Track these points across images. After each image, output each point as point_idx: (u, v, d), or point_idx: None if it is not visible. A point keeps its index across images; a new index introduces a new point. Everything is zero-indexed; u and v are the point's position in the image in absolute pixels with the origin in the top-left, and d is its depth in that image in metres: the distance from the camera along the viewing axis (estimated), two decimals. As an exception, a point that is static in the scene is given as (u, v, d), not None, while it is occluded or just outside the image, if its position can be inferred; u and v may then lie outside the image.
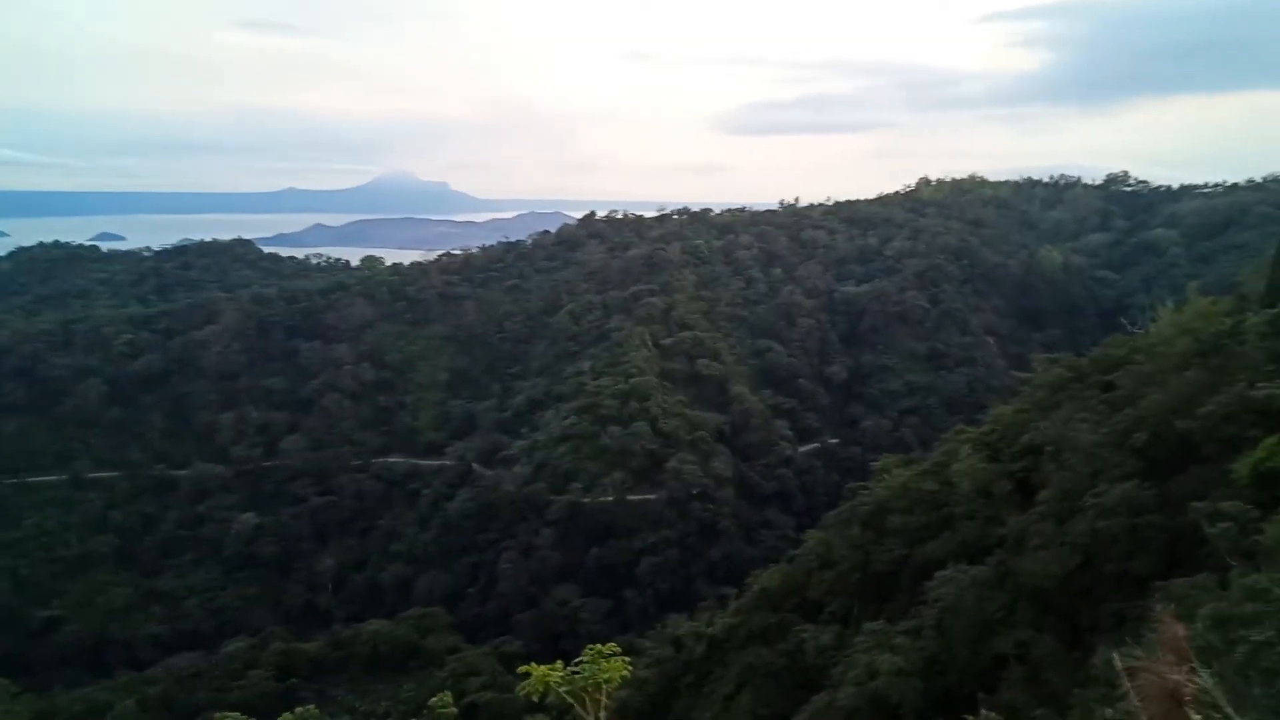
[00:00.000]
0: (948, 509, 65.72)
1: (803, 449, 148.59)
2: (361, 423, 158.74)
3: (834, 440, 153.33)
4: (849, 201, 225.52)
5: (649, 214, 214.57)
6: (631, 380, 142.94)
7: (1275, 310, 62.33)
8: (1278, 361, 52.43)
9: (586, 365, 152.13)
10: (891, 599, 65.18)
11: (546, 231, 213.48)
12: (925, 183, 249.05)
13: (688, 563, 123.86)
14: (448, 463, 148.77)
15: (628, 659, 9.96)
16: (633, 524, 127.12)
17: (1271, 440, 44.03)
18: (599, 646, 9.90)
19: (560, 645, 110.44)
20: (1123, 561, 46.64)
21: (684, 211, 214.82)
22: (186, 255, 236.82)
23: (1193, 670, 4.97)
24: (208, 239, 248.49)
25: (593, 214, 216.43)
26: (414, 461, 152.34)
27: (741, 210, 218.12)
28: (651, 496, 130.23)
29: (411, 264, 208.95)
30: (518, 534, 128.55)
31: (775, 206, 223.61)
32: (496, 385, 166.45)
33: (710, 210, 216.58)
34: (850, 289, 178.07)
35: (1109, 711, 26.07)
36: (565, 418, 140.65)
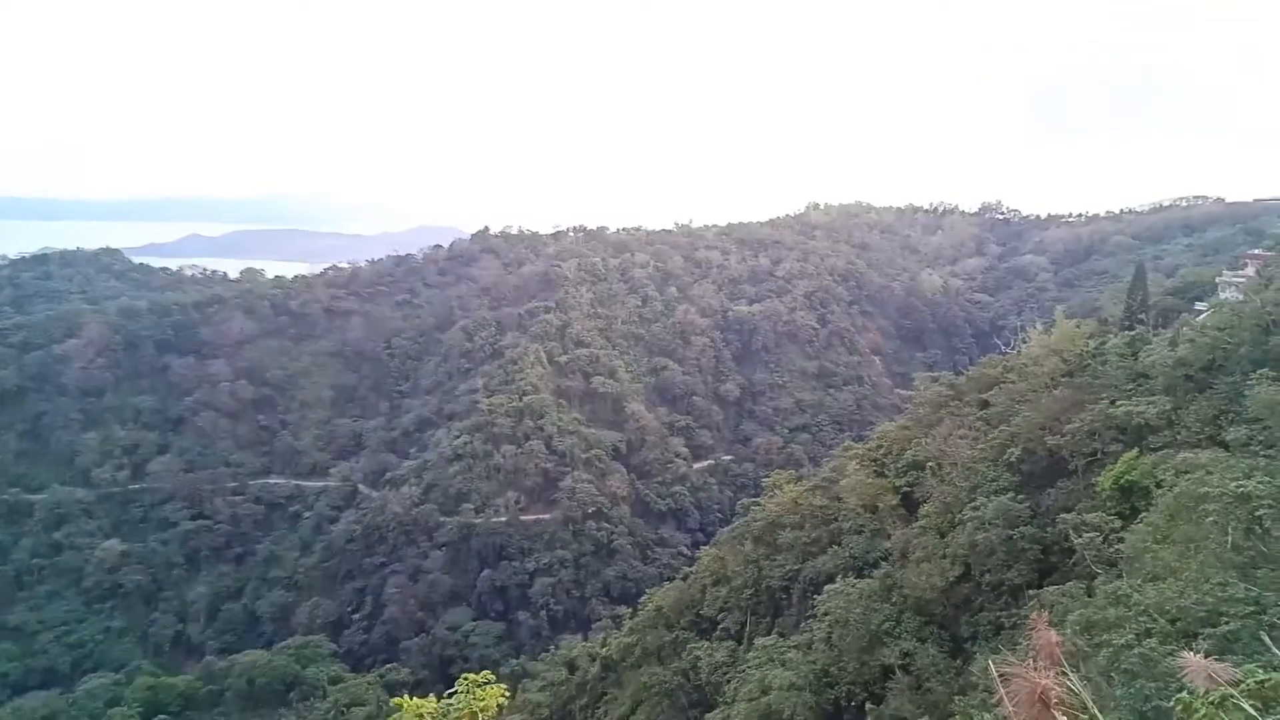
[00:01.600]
0: (837, 524, 67.43)
1: (697, 466, 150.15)
2: (239, 443, 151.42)
3: (728, 457, 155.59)
4: (742, 223, 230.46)
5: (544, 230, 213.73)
6: (526, 398, 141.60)
7: (1133, 333, 67.00)
8: (1136, 380, 56.20)
9: (480, 383, 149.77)
10: (783, 613, 66.25)
11: (439, 246, 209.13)
12: (814, 206, 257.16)
13: (583, 582, 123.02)
14: (332, 484, 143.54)
15: (516, 684, 9.62)
16: (526, 545, 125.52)
17: (1130, 455, 46.92)
18: (473, 676, 9.52)
19: (450, 671, 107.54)
20: (1000, 572, 48.74)
21: (580, 229, 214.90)
22: (47, 264, 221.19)
23: (1062, 674, 5.00)
24: (71, 247, 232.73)
25: (487, 229, 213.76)
26: (296, 483, 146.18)
27: (637, 229, 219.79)
28: (546, 516, 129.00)
29: (295, 277, 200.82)
30: (406, 557, 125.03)
31: (670, 227, 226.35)
32: (385, 403, 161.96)
33: (606, 228, 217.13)
34: (743, 308, 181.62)
35: (986, 717, 26.98)
36: (457, 436, 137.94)
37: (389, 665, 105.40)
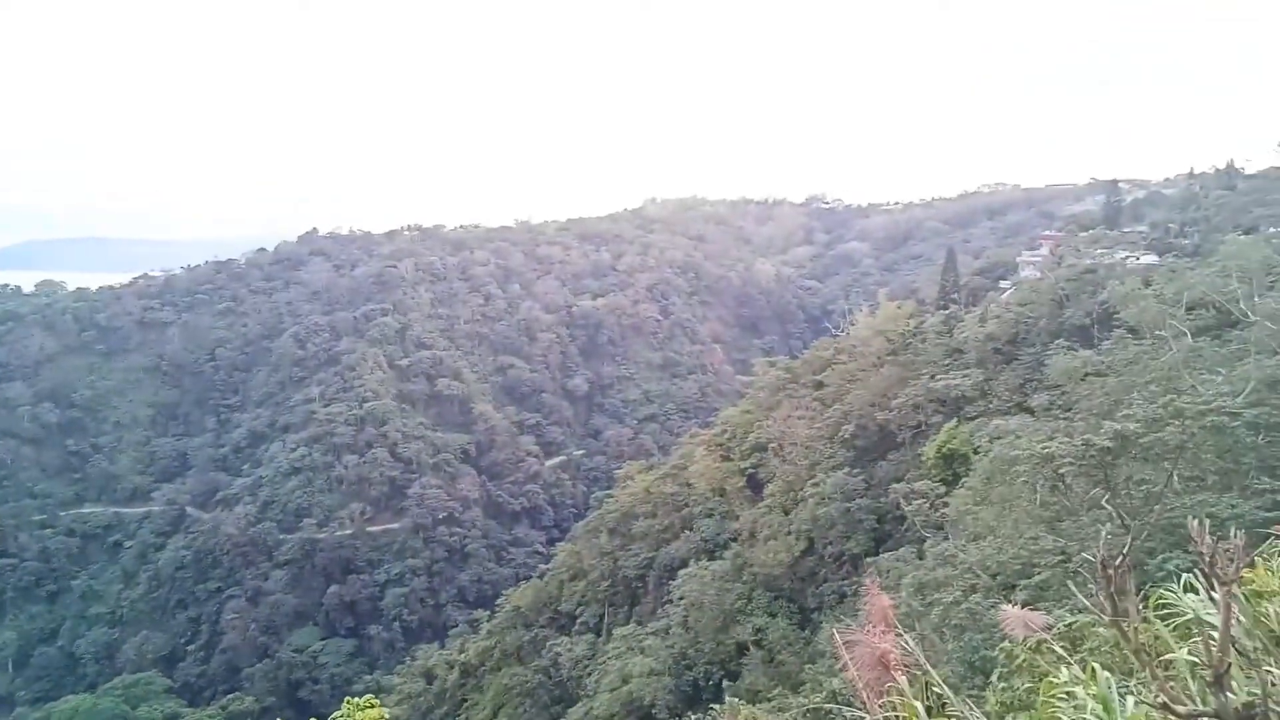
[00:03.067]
0: (688, 509, 68.98)
1: (549, 463, 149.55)
2: (46, 471, 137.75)
3: (579, 452, 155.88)
4: (582, 218, 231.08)
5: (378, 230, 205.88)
6: (367, 405, 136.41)
7: (947, 311, 72.13)
8: (952, 356, 60.56)
9: (315, 391, 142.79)
10: (641, 602, 67.11)
11: (263, 250, 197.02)
12: (652, 201, 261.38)
13: (436, 590, 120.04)
14: (156, 508, 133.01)
15: (378, 703, 9.19)
16: (375, 556, 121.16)
17: (950, 425, 50.52)
18: (356, 700, 9.03)
19: (299, 695, 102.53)
20: (840, 543, 51.37)
21: (416, 228, 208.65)
22: None
23: (899, 635, 5.21)
24: None
25: (314, 230, 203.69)
26: (115, 510, 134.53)
27: (476, 227, 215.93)
28: (395, 525, 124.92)
29: (101, 288, 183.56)
30: (244, 580, 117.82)
31: (510, 223, 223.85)
32: (211, 419, 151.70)
33: (443, 226, 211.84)
34: (587, 303, 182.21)
35: (834, 682, 28.28)
36: (294, 449, 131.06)
37: (231, 695, 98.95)
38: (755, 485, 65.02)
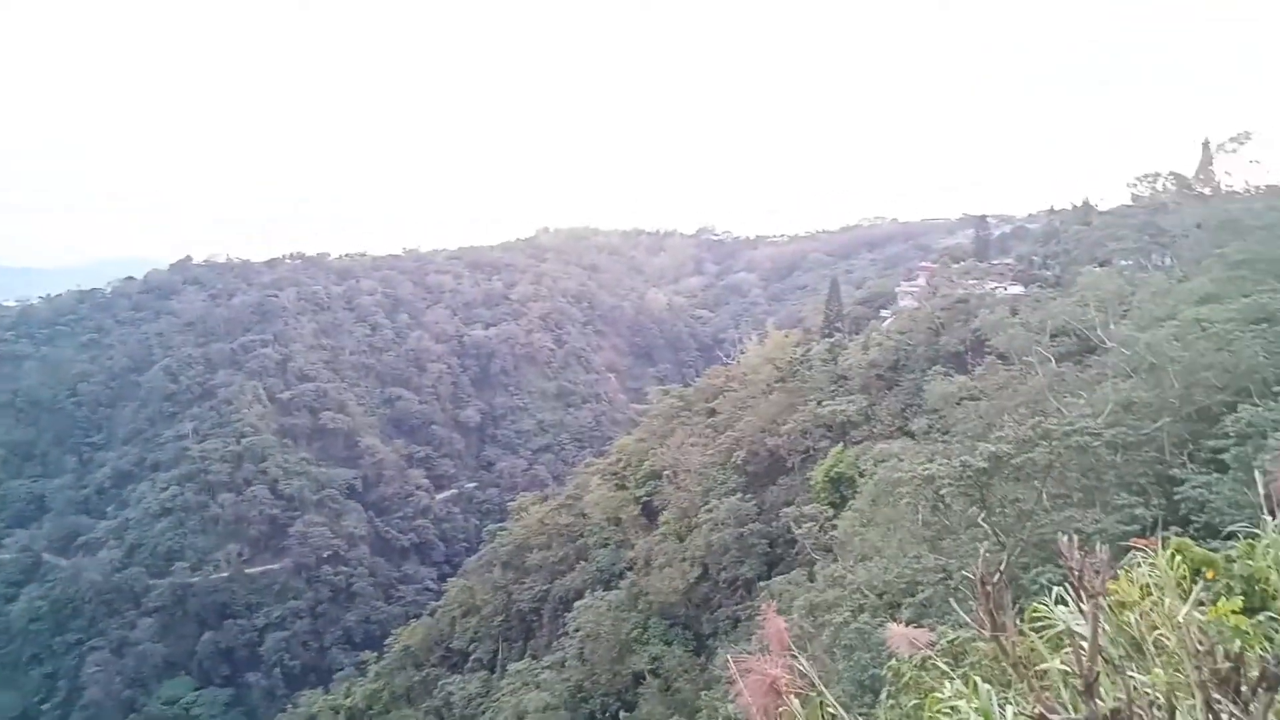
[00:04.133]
0: (583, 539, 68.58)
1: (440, 496, 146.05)
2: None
3: (471, 484, 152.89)
4: (473, 247, 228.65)
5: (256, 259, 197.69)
6: (245, 440, 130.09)
7: (832, 340, 74.63)
8: (837, 382, 62.61)
9: (189, 427, 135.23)
10: (536, 635, 66.04)
11: (131, 278, 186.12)
12: (544, 230, 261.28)
13: (321, 632, 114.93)
14: (6, 556, 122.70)
15: None
16: (254, 599, 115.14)
17: (837, 449, 52.12)
18: None
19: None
20: (734, 568, 52.00)
21: (298, 256, 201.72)
22: None
23: (792, 658, 5.25)
24: None
25: (188, 258, 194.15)
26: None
27: (362, 255, 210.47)
28: (275, 566, 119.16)
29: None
30: (108, 630, 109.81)
31: (398, 251, 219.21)
32: (72, 458, 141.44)
33: (327, 254, 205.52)
34: (479, 333, 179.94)
35: (729, 708, 28.41)
36: (164, 489, 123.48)
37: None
38: (650, 513, 65.20)
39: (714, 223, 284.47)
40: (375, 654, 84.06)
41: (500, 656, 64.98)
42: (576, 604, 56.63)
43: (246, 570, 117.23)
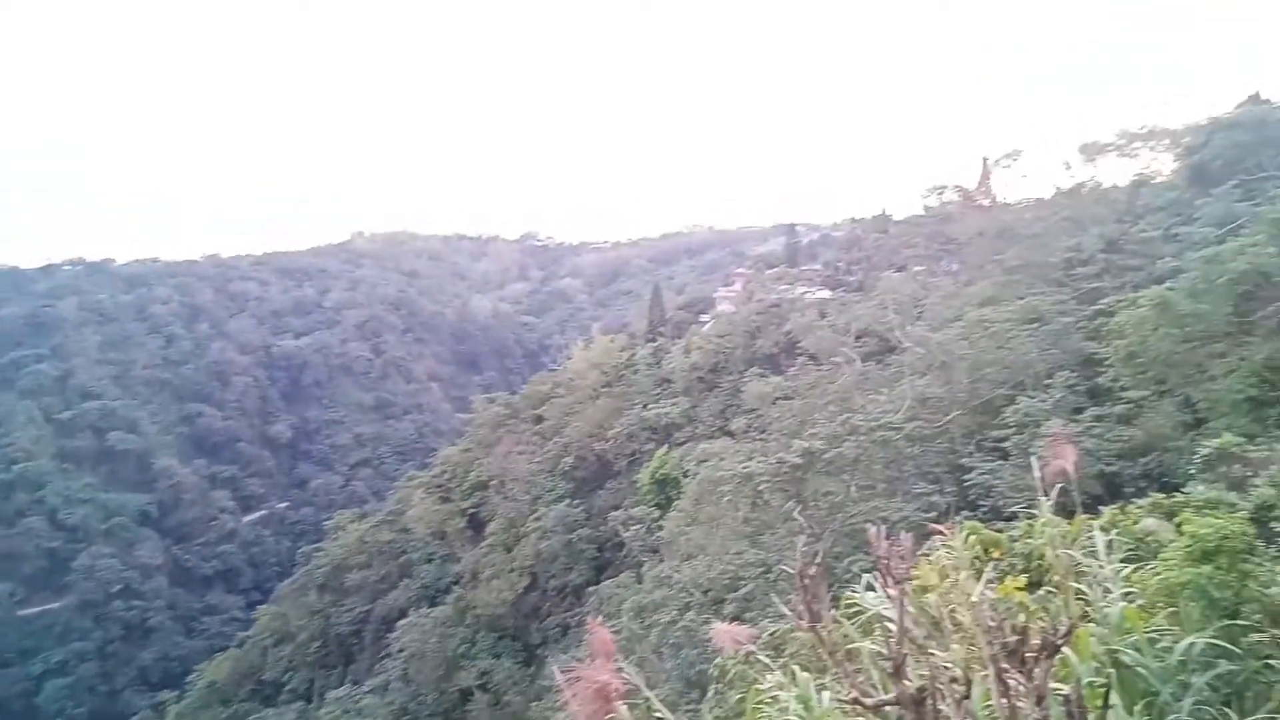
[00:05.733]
0: (407, 556, 66.39)
1: (248, 519, 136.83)
2: None
3: (283, 504, 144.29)
4: (281, 252, 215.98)
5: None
6: (17, 467, 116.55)
7: (656, 344, 76.30)
8: (661, 385, 64.07)
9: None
10: (357, 660, 63.18)
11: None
12: (359, 234, 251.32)
13: (111, 674, 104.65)
14: None
15: None
16: (30, 643, 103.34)
17: (662, 451, 53.29)
18: None
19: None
20: (563, 575, 51.98)
21: (79, 261, 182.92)
22: None
23: (618, 665, 5.21)
24: None
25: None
26: None
27: (154, 261, 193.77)
28: (55, 605, 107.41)
29: None
30: None
31: (196, 257, 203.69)
32: None
33: (113, 260, 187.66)
34: (289, 343, 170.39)
35: (560, 718, 28.29)
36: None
37: None
38: (477, 525, 64.05)
39: (538, 228, 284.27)
40: (176, 693, 77.66)
41: (318, 685, 61.68)
42: (400, 623, 54.70)
43: (20, 612, 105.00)
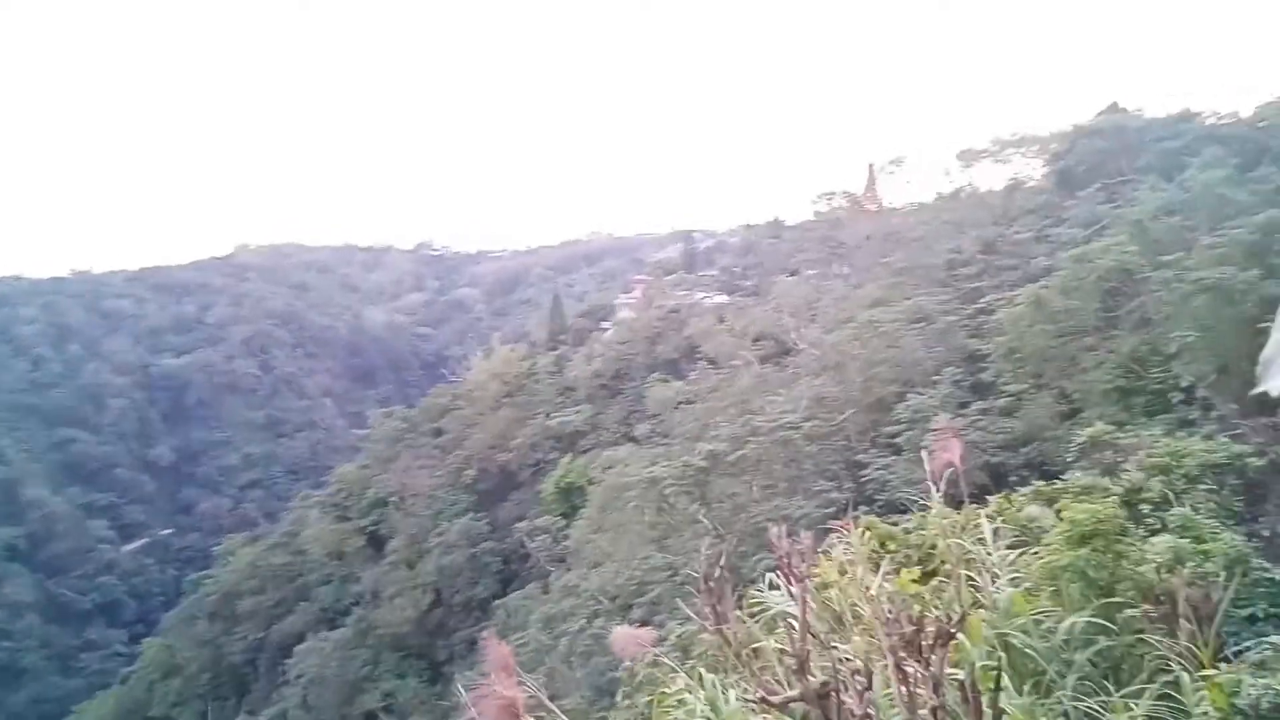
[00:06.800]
0: (303, 578, 64.01)
1: (128, 548, 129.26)
2: None
3: (167, 531, 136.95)
4: (158, 267, 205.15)
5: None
6: None
7: (557, 352, 75.94)
8: (564, 394, 63.84)
9: None
10: (252, 689, 60.53)
11: None
12: (244, 247, 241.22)
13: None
14: None
15: None
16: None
17: (566, 460, 53.05)
18: None
19: None
20: (468, 590, 51.09)
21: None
22: None
23: (522, 679, 5.14)
24: None
25: None
26: None
27: (18, 279, 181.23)
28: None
29: None
30: None
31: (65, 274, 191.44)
32: None
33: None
34: (170, 362, 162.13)
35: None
36: None
37: None
38: (377, 543, 62.35)
39: (433, 238, 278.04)
40: (53, 738, 72.87)
41: (210, 718, 58.83)
42: (298, 648, 52.69)
43: None
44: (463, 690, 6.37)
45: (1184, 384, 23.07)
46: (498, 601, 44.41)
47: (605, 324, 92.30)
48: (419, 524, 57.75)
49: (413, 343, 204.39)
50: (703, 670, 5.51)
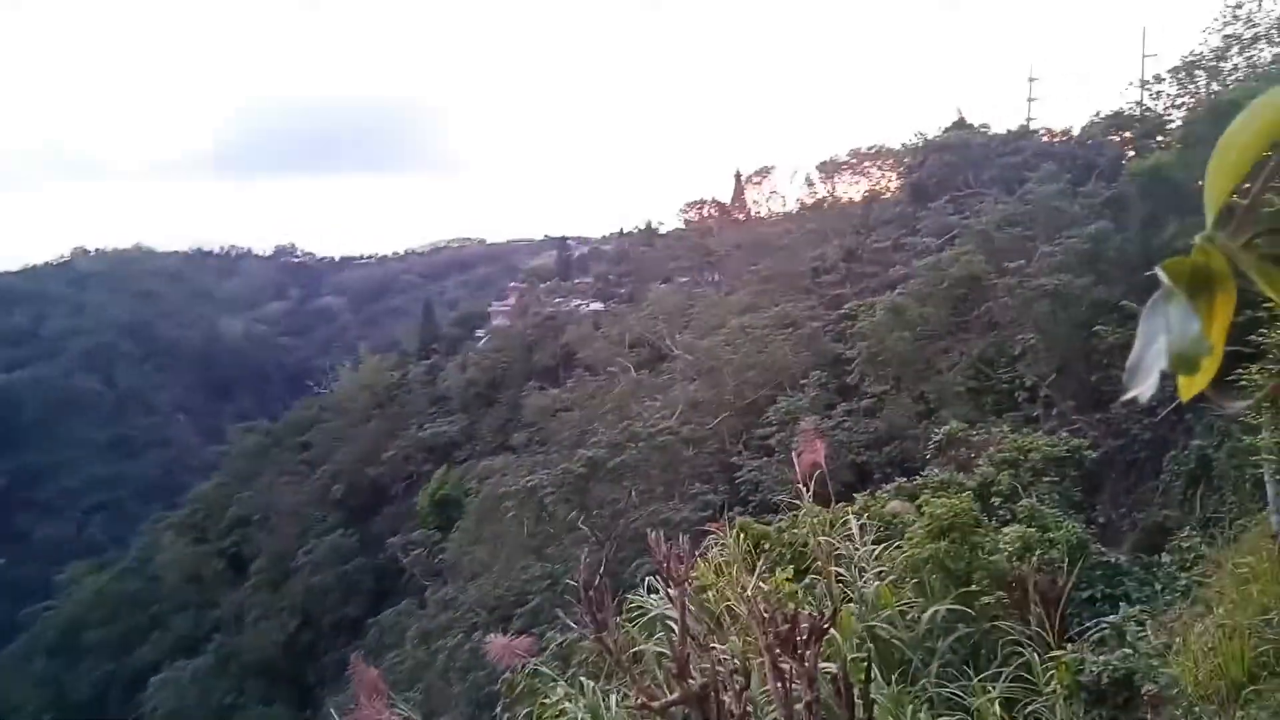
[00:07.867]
0: (157, 606, 60.18)
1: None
2: None
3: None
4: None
5: None
6: None
7: (430, 361, 74.20)
8: (437, 404, 62.43)
9: None
10: (98, 729, 56.41)
11: None
12: (83, 253, 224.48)
13: None
14: None
15: None
16: None
17: (440, 472, 51.90)
18: None
19: None
20: (339, 609, 49.19)
21: None
22: None
23: (391, 700, 5.00)
24: None
25: None
26: None
27: None
28: None
29: None
30: None
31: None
32: None
33: None
34: None
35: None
36: None
37: None
38: (238, 565, 59.21)
39: (294, 243, 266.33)
40: None
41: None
42: (152, 680, 49.40)
43: None
44: (335, 715, 6.14)
45: (1028, 383, 24.86)
46: (371, 620, 42.93)
47: (479, 332, 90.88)
48: (284, 543, 55.21)
49: (274, 354, 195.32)
50: (583, 678, 5.51)
